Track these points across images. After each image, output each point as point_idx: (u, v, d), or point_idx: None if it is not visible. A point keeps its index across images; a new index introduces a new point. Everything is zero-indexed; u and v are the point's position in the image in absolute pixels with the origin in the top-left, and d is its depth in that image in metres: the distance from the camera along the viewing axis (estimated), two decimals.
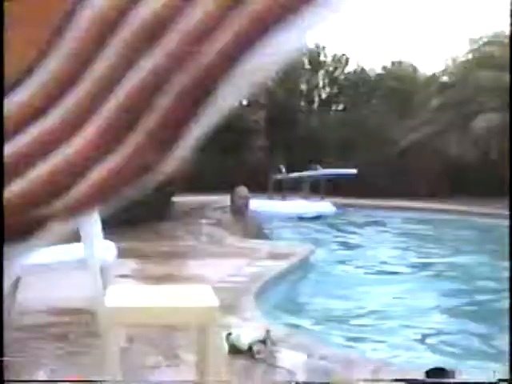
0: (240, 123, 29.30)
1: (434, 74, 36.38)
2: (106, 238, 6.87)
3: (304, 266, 13.34)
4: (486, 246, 18.57)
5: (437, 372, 5.60)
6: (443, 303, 12.26)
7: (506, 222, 22.51)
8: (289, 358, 6.37)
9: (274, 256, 12.97)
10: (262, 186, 22.96)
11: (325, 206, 23.11)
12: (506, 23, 33.73)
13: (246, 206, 19.00)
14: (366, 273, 14.83)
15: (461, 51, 35.46)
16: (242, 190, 19.03)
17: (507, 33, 32.90)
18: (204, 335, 5.27)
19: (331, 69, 36.50)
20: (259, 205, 20.41)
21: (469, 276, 14.84)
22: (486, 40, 33.66)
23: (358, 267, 15.35)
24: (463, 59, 34.70)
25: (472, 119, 28.88)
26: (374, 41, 44.67)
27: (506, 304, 11.54)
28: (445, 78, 35.55)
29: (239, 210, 18.88)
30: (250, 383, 5.97)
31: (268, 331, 6.77)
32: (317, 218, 22.29)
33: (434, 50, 50.81)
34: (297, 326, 9.07)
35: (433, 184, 28.24)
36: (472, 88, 30.78)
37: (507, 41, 33.02)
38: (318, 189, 24.85)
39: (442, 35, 49.06)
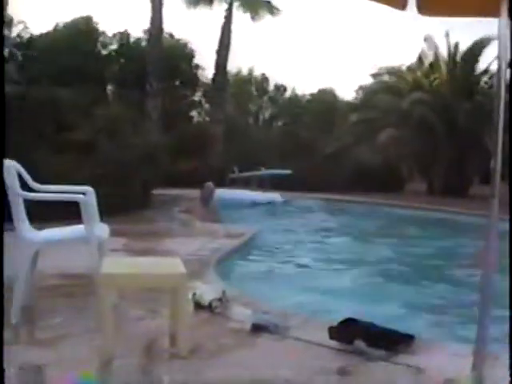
0: (203, 135, 29.48)
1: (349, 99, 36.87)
2: (101, 221, 6.92)
3: (251, 243, 13.42)
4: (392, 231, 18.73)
5: (349, 322, 5.66)
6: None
7: (402, 211, 23.00)
8: (239, 312, 6.44)
9: (230, 236, 13.03)
10: (221, 183, 23.03)
11: (275, 195, 23.18)
12: (401, 57, 34.34)
13: (211, 197, 19.06)
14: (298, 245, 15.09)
15: (367, 80, 35.94)
16: (209, 185, 19.12)
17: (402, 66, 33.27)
18: (176, 295, 5.36)
19: (273, 94, 36.81)
20: (224, 193, 20.53)
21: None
22: (385, 71, 33.98)
23: (295, 243, 15.56)
24: (369, 87, 35.11)
25: (377, 133, 29.18)
26: (304, 73, 44.85)
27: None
28: (356, 101, 35.99)
29: (206, 201, 18.94)
30: (210, 330, 6.03)
31: (224, 291, 6.85)
32: (268, 203, 22.42)
33: (349, 79, 51.04)
34: (246, 287, 9.13)
35: (349, 181, 28.45)
36: (376, 109, 31.11)
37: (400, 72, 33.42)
38: (262, 185, 25.05)
39: (354, 68, 49.26)
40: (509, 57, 4.01)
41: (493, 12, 3.79)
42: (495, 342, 4.73)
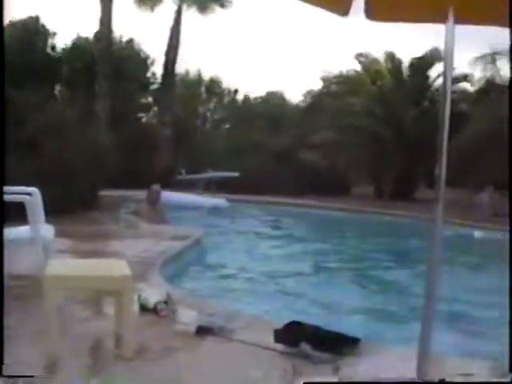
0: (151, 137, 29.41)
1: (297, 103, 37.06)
2: (47, 222, 6.85)
3: (197, 246, 13.44)
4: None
5: (294, 325, 5.67)
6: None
7: (342, 214, 23.25)
8: (185, 314, 6.42)
9: (176, 238, 13.00)
10: (168, 185, 22.93)
11: (220, 200, 23.15)
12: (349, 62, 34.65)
13: (158, 199, 19.04)
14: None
15: (316, 84, 36.20)
16: (156, 187, 19.10)
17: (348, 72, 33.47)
18: (120, 297, 5.34)
19: (221, 96, 36.84)
20: (171, 196, 20.49)
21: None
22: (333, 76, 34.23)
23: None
24: (317, 91, 35.40)
25: (315, 136, 29.35)
26: (253, 76, 44.94)
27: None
28: (304, 105, 36.21)
29: (152, 203, 18.92)
30: (155, 332, 6.01)
31: (169, 294, 6.83)
32: (214, 207, 22.42)
33: (298, 83, 51.29)
34: (191, 290, 9.13)
35: (296, 184, 28.51)
36: (322, 113, 31.33)
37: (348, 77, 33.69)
38: (209, 187, 25.06)
39: (304, 72, 49.49)
40: (453, 63, 4.06)
41: (440, 18, 3.84)
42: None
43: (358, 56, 32.67)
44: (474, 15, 4.11)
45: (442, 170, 3.79)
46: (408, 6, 4.18)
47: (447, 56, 4.06)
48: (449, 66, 4.13)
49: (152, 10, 31.67)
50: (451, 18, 3.80)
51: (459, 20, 3.86)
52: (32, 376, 4.55)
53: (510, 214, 12.94)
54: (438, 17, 3.87)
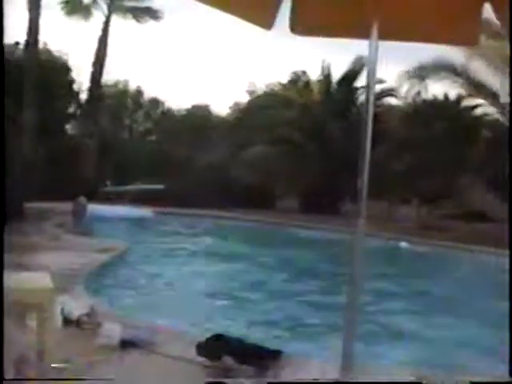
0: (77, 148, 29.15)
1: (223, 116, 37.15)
2: None
3: (121, 258, 13.39)
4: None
5: (216, 338, 5.68)
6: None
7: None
8: (108, 328, 6.37)
9: (100, 250, 12.91)
10: (93, 197, 22.69)
11: (145, 211, 23.05)
12: (275, 75, 34.92)
13: (83, 211, 18.89)
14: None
15: (243, 97, 36.26)
16: (81, 199, 18.96)
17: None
18: (43, 310, 5.28)
19: (147, 108, 36.69)
20: (96, 208, 20.31)
21: None
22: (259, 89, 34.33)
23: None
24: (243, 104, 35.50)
25: (244, 152, 29.36)
26: (179, 88, 44.82)
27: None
28: (230, 118, 36.25)
29: (78, 215, 18.77)
30: (78, 345, 5.96)
31: (92, 307, 6.78)
32: (139, 220, 22.33)
33: (224, 95, 51.26)
34: (115, 303, 9.08)
35: (221, 197, 28.51)
36: (248, 126, 31.37)
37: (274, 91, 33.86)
38: (135, 200, 24.87)
39: (230, 84, 49.49)
40: (376, 76, 4.13)
41: (363, 33, 3.89)
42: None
43: (290, 69, 33.00)
44: (398, 31, 4.19)
45: (363, 184, 3.84)
46: (332, 22, 4.24)
47: (370, 71, 4.13)
48: (371, 81, 4.20)
49: (87, 19, 31.58)
50: (374, 34, 3.86)
51: (383, 36, 3.92)
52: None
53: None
54: (362, 33, 3.93)
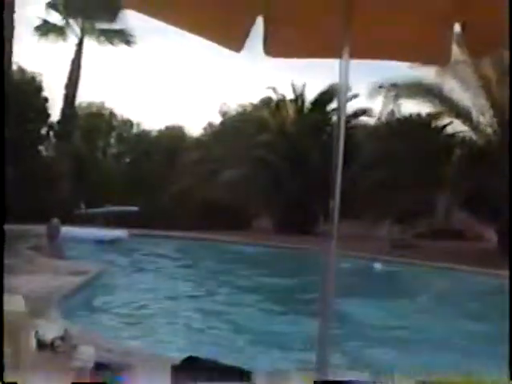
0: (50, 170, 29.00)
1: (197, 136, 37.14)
2: None
3: (95, 281, 13.35)
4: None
5: (191, 360, 5.65)
6: None
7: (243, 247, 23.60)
8: (82, 351, 6.33)
9: (74, 273, 12.85)
10: (67, 219, 22.55)
11: (120, 232, 22.98)
12: (249, 96, 35.06)
13: (57, 233, 18.82)
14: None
15: (216, 118, 36.31)
16: (55, 221, 18.90)
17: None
18: (17, 334, 5.24)
19: (120, 130, 36.60)
20: (70, 230, 20.22)
21: None
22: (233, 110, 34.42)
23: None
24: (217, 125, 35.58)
25: (219, 173, 29.35)
26: (152, 109, 44.79)
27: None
28: (204, 139, 36.26)
29: (52, 237, 18.69)
30: (52, 369, 5.92)
31: (66, 330, 6.74)
32: (113, 241, 22.27)
33: (198, 117, 51.27)
34: (89, 325, 9.05)
35: (196, 219, 28.48)
36: (222, 147, 31.40)
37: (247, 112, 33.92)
38: (109, 222, 24.78)
39: (204, 106, 49.56)
40: (348, 95, 4.16)
41: (335, 53, 3.92)
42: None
43: (263, 90, 33.10)
44: (369, 50, 4.23)
45: (335, 205, 3.86)
46: (304, 43, 4.28)
47: (341, 90, 4.15)
48: (343, 101, 4.23)
49: (64, 40, 31.60)
50: (346, 53, 3.89)
51: (355, 55, 3.94)
52: None
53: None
54: (334, 53, 3.96)
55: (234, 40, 4.11)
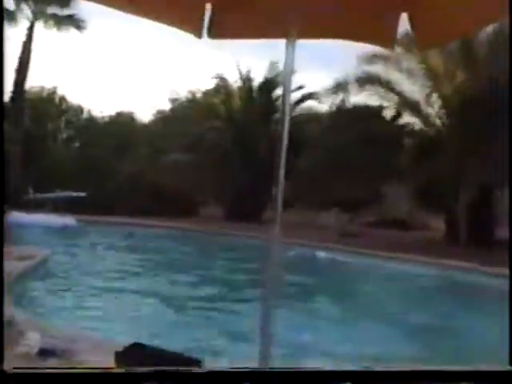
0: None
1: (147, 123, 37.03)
2: None
3: (42, 266, 13.27)
4: None
5: (136, 347, 5.62)
6: None
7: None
8: (27, 336, 6.30)
9: (21, 258, 12.74)
10: (16, 204, 22.31)
11: (68, 219, 22.86)
12: (198, 83, 34.93)
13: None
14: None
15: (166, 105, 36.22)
16: None
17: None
18: None
19: (70, 115, 36.32)
20: (17, 216, 20.02)
21: None
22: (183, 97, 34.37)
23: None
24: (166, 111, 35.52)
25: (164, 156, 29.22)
26: (103, 95, 44.52)
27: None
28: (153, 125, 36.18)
29: None
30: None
31: (12, 315, 6.69)
32: (63, 228, 22.15)
33: (148, 103, 51.05)
34: (36, 311, 8.99)
35: (144, 205, 28.38)
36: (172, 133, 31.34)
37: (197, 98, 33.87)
38: (58, 207, 24.61)
39: (153, 92, 49.41)
40: (292, 79, 4.11)
41: (281, 34, 3.88)
42: None
43: (212, 76, 32.93)
44: (315, 29, 4.21)
45: (278, 192, 3.85)
46: (248, 24, 4.25)
47: (286, 73, 4.10)
48: (288, 82, 4.18)
49: (12, 25, 31.12)
50: (294, 35, 3.84)
51: (301, 34, 3.89)
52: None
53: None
54: (280, 33, 3.92)
55: (193, 25, 4.08)
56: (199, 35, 4.10)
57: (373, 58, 23.39)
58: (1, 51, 4.90)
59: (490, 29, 19.75)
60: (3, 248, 4.89)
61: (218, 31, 4.16)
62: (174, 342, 7.40)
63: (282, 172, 3.80)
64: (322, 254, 19.68)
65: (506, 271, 16.42)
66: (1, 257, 4.74)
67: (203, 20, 4.06)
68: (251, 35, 4.43)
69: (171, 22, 4.04)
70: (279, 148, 3.83)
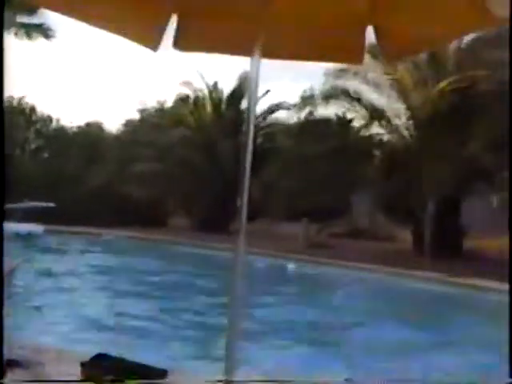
0: None
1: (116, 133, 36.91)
2: None
3: (9, 276, 13.14)
4: None
5: (100, 358, 5.61)
6: None
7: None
8: None
9: None
10: None
11: (35, 226, 22.89)
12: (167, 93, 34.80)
13: None
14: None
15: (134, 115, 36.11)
16: None
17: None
18: None
19: (39, 125, 36.11)
20: None
21: None
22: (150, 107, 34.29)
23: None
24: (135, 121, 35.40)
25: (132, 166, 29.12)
26: (72, 105, 44.24)
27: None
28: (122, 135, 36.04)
29: None
30: None
31: None
32: (29, 235, 22.17)
33: (117, 113, 50.91)
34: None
35: (112, 215, 28.26)
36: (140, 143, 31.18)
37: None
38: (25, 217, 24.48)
39: (123, 102, 49.24)
40: (258, 94, 4.10)
41: (247, 51, 3.87)
42: None
43: (181, 85, 32.88)
44: (282, 49, 4.20)
45: (243, 202, 3.84)
46: (215, 39, 4.23)
47: (251, 89, 4.08)
48: (253, 98, 4.17)
49: None
50: (258, 51, 3.83)
51: (267, 53, 3.89)
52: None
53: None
54: (246, 50, 3.90)
55: (151, 38, 4.05)
56: (154, 48, 4.07)
57: (340, 72, 23.44)
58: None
59: (458, 40, 19.93)
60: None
61: (183, 43, 4.14)
62: None
63: (246, 183, 3.79)
64: (291, 266, 19.71)
65: (474, 282, 16.63)
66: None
67: (162, 33, 4.04)
68: (216, 50, 4.43)
69: (128, 35, 4.01)
70: (243, 158, 3.82)
